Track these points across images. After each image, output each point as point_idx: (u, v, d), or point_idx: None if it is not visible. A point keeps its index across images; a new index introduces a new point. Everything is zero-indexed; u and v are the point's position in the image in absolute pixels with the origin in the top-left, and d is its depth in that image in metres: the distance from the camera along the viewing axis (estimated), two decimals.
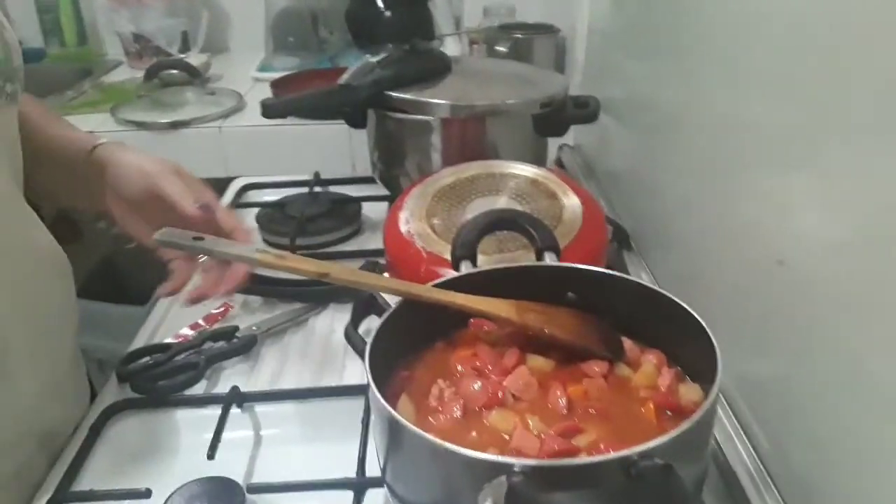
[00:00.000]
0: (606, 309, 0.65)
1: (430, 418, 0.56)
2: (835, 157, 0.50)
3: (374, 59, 1.05)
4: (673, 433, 0.46)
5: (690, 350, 0.58)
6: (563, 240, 0.75)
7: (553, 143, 1.18)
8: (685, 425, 0.47)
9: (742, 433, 0.62)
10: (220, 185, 1.32)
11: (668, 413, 0.56)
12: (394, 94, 0.99)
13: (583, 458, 0.44)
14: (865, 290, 0.46)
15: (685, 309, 0.58)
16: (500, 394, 0.56)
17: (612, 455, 0.44)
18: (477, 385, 0.57)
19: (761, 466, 0.58)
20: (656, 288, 0.61)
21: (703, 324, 0.55)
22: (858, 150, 0.47)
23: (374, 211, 1.12)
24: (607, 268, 0.84)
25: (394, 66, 1.02)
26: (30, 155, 0.71)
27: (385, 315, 0.60)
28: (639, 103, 0.97)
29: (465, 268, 0.66)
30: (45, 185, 0.76)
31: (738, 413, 0.63)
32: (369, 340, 0.56)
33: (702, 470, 0.52)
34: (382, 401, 0.50)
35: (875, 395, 0.46)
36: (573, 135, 1.26)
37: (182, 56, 1.78)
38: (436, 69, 1.05)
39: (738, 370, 0.52)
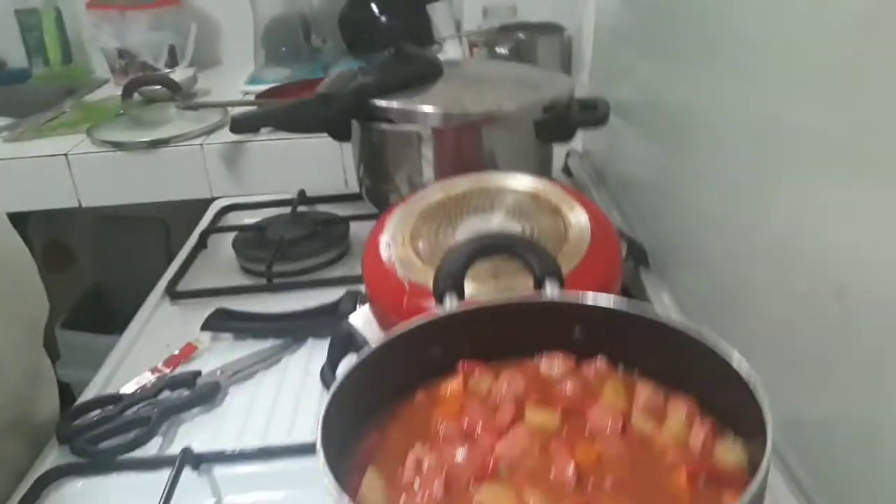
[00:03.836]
0: (621, 346, 0.54)
1: (405, 497, 0.45)
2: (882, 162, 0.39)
3: (355, 66, 0.95)
4: None
5: (726, 396, 0.47)
6: (569, 262, 0.64)
7: (559, 150, 1.07)
8: None
9: (792, 480, 0.50)
10: (203, 207, 1.23)
11: (702, 480, 0.45)
12: (378, 102, 0.89)
13: None
14: None
15: (721, 357, 0.46)
16: (490, 464, 0.45)
17: None
18: (462, 453, 0.46)
19: None
20: (680, 327, 0.50)
21: (746, 377, 0.44)
22: None
23: (364, 231, 1.02)
24: (623, 290, 0.73)
25: (378, 72, 0.92)
26: None
27: (357, 361, 0.49)
28: (653, 104, 0.87)
29: (450, 303, 0.55)
30: None
31: (788, 467, 0.52)
32: (325, 401, 0.45)
33: None
34: (337, 489, 0.39)
35: None
36: (582, 140, 1.16)
37: (169, 71, 1.70)
38: (426, 74, 0.95)
39: (787, 412, 0.41)
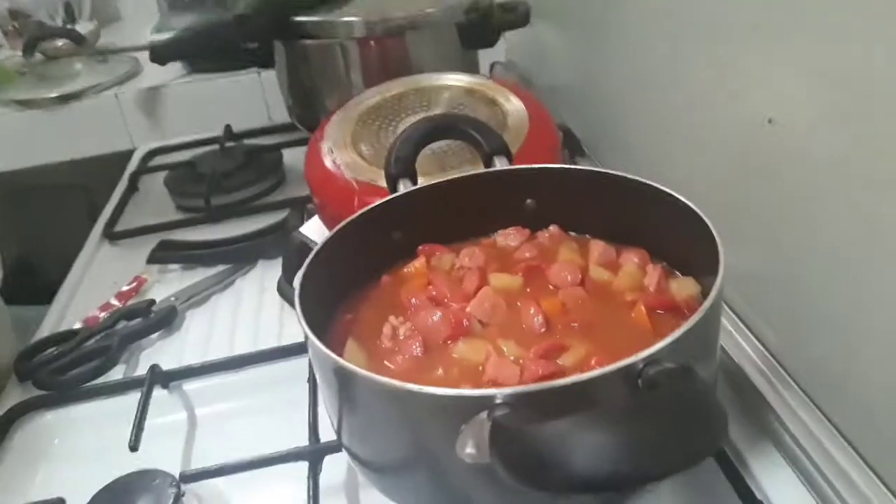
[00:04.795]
0: (573, 211, 0.56)
1: (386, 362, 0.47)
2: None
3: None
4: (682, 329, 0.37)
5: (675, 241, 0.50)
6: (511, 146, 0.65)
7: (484, 62, 1.08)
8: (695, 317, 0.38)
9: (743, 327, 0.54)
10: (126, 159, 1.19)
11: (662, 313, 0.48)
12: (299, 18, 0.87)
13: (576, 377, 0.36)
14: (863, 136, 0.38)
15: (668, 193, 0.49)
16: (464, 321, 0.47)
17: (613, 367, 0.36)
18: (436, 316, 0.48)
19: (773, 361, 0.51)
20: (629, 175, 0.52)
21: (695, 207, 0.46)
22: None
23: (296, 158, 1.01)
24: None
25: None
26: None
27: (314, 251, 0.49)
28: (572, 3, 0.88)
29: (404, 187, 0.56)
30: None
31: (734, 305, 0.55)
32: (297, 281, 0.46)
33: (713, 372, 0.44)
34: (324, 349, 0.41)
35: (890, 256, 0.38)
36: (505, 50, 1.17)
37: (68, 26, 1.61)
38: None
39: (728, 258, 0.44)
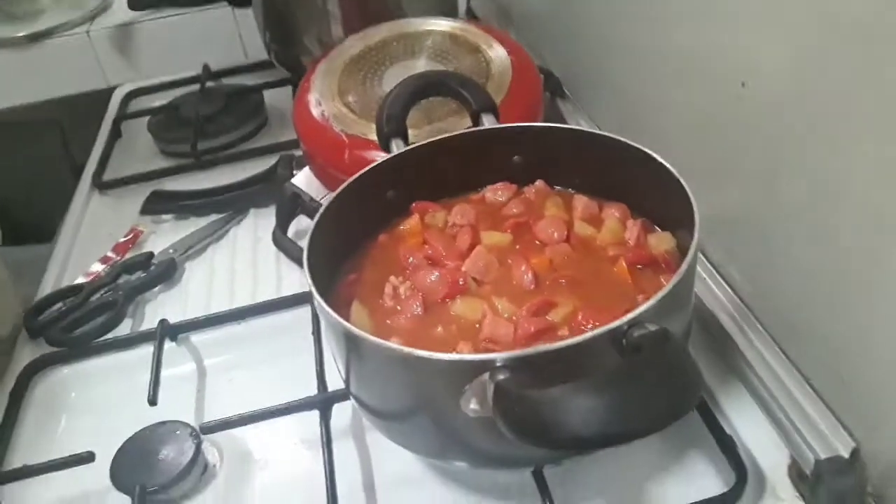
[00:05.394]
0: (557, 167, 0.59)
1: (389, 321, 0.50)
2: None
3: None
4: (660, 294, 0.41)
5: (654, 197, 0.54)
6: (495, 96, 0.67)
7: None
8: (672, 282, 0.42)
9: (717, 275, 0.58)
10: (101, 97, 1.18)
11: (641, 267, 0.52)
12: None
13: (568, 340, 0.39)
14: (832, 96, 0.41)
15: (645, 153, 0.52)
16: (460, 280, 0.51)
17: (600, 330, 0.39)
18: (434, 276, 0.51)
19: (743, 307, 0.55)
20: (609, 135, 0.55)
21: (671, 168, 0.50)
22: None
23: (277, 98, 1.02)
24: (545, 119, 0.78)
25: None
26: None
27: (318, 214, 0.52)
28: None
29: (397, 147, 0.58)
30: None
31: (708, 254, 0.59)
32: (305, 246, 0.49)
33: (688, 323, 0.48)
34: (335, 315, 0.44)
35: (854, 208, 0.42)
36: None
37: None
38: None
39: (704, 209, 0.48)
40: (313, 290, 0.46)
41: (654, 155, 0.51)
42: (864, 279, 0.42)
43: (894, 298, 0.40)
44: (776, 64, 0.47)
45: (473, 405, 0.40)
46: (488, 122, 0.59)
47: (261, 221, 0.80)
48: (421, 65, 0.73)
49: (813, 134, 0.44)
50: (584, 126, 0.80)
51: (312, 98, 0.72)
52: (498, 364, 0.39)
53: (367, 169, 0.56)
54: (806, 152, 0.45)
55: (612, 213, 0.56)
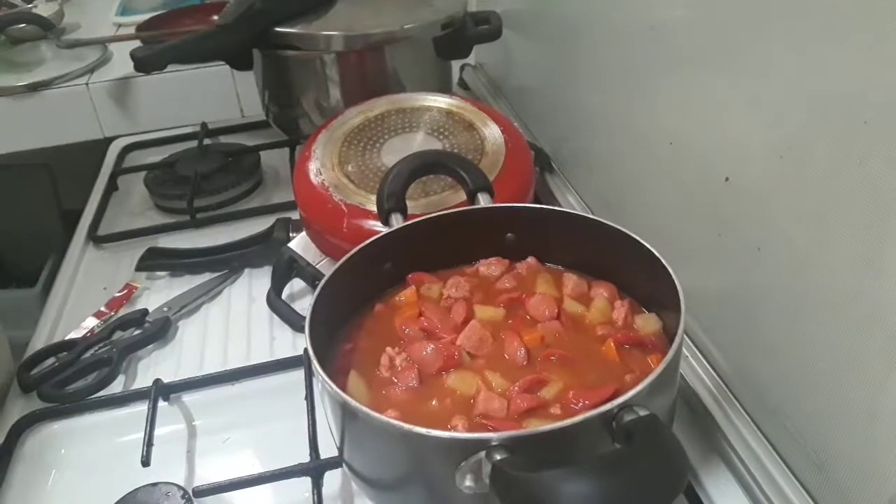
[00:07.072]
0: (548, 246, 0.62)
1: (384, 392, 0.52)
2: (758, 54, 0.47)
3: None
4: (648, 379, 0.43)
5: (641, 278, 0.56)
6: (490, 173, 0.71)
7: (455, 64, 1.12)
8: (659, 368, 0.44)
9: (698, 353, 0.61)
10: (99, 148, 1.20)
11: (628, 347, 0.54)
12: (280, 29, 0.90)
13: (562, 423, 0.41)
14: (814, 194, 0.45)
15: (633, 238, 0.55)
16: (455, 354, 0.53)
17: (591, 413, 0.42)
18: (430, 348, 0.53)
19: (723, 385, 0.58)
20: (599, 219, 0.58)
21: (658, 255, 0.53)
22: (786, 41, 0.45)
23: (273, 159, 1.04)
24: (535, 193, 0.81)
25: None
26: None
27: (320, 287, 0.54)
28: (542, 13, 0.92)
29: (396, 221, 0.61)
30: None
31: (690, 332, 0.62)
32: (307, 318, 0.51)
33: (673, 401, 0.50)
34: (335, 388, 0.46)
35: (823, 301, 0.45)
36: (475, 54, 1.20)
37: (29, 6, 1.58)
38: None
39: (686, 287, 0.50)
40: (315, 365, 0.48)
41: (643, 241, 0.54)
42: (838, 363, 0.45)
43: (867, 382, 0.43)
44: (761, 153, 0.50)
45: (469, 482, 0.42)
46: (484, 200, 0.62)
47: (255, 282, 0.82)
48: (419, 138, 0.76)
49: (795, 221, 0.47)
50: (572, 201, 0.84)
51: (313, 167, 0.75)
52: (494, 443, 0.41)
53: (367, 242, 0.58)
54: (786, 237, 0.48)
55: (601, 292, 0.59)
